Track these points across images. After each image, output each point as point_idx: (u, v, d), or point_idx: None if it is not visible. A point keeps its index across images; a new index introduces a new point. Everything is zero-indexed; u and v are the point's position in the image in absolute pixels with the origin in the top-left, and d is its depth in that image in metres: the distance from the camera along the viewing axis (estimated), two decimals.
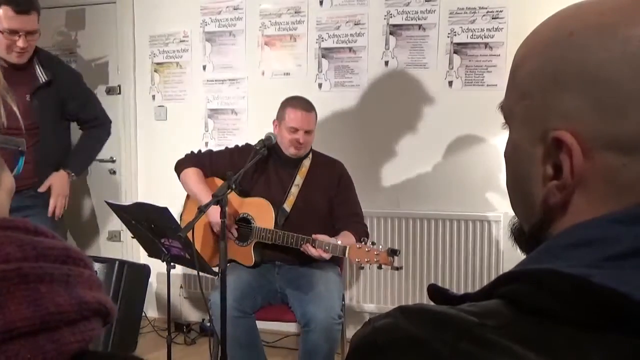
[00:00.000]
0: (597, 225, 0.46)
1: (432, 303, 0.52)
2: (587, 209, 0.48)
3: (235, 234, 2.50)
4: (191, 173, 2.60)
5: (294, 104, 2.54)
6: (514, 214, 0.59)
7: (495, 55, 3.05)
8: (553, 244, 0.48)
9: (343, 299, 2.51)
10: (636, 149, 0.46)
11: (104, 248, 3.85)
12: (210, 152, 2.71)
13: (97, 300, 0.48)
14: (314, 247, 2.29)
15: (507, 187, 0.59)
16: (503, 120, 0.57)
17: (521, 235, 0.58)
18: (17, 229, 0.46)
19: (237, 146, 2.72)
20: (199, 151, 2.71)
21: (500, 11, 3.03)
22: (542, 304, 0.42)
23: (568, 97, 0.48)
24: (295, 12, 3.35)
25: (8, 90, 0.55)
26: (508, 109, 0.56)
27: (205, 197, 2.40)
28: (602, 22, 0.48)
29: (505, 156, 0.58)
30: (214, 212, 2.30)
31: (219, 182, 2.57)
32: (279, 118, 2.55)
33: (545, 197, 0.51)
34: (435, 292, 0.54)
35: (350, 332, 3.26)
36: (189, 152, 2.71)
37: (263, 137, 2.47)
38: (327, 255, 2.28)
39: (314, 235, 2.30)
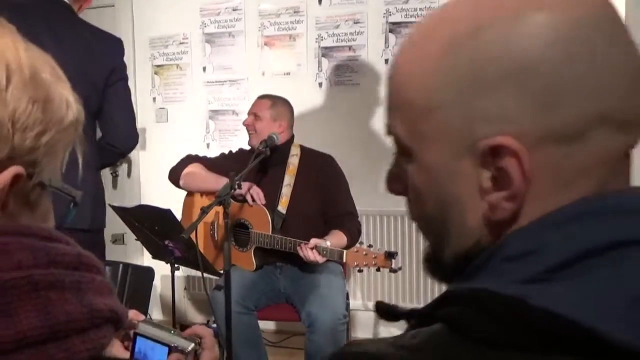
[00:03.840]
0: (531, 232, 0.44)
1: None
2: (532, 211, 0.45)
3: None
4: (194, 167, 2.59)
5: None
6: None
7: None
8: (492, 255, 0.45)
9: (347, 299, 2.51)
10: (575, 136, 0.43)
11: (108, 251, 3.82)
12: (204, 156, 2.71)
13: (108, 307, 0.48)
14: (311, 249, 2.27)
15: (417, 219, 0.53)
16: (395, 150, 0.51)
17: (438, 265, 0.53)
18: (31, 235, 0.46)
19: (230, 152, 2.73)
20: (196, 155, 2.71)
21: None
22: (482, 330, 0.40)
23: (494, 98, 0.43)
24: (294, 12, 3.35)
25: (82, 140, 0.55)
26: (408, 131, 0.49)
27: (218, 181, 2.38)
28: (510, 9, 0.44)
29: (413, 188, 0.51)
30: None
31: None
32: None
33: (487, 213, 0.46)
34: (383, 310, 0.51)
35: (355, 332, 3.27)
36: (184, 156, 2.70)
37: (265, 137, 2.47)
38: (320, 259, 2.26)
39: (312, 240, 2.26)
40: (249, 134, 2.55)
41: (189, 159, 2.65)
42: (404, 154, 0.51)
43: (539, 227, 0.43)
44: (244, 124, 2.59)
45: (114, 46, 2.08)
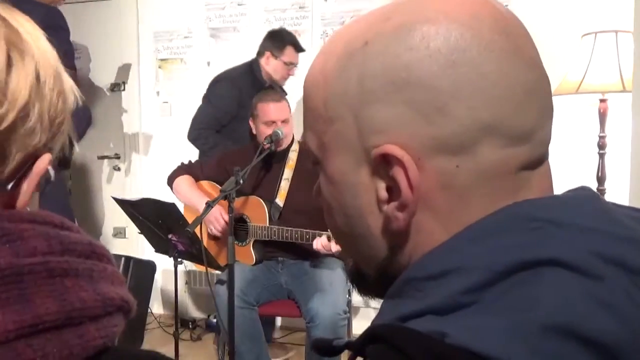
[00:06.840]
0: (450, 249, 0.43)
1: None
2: (435, 226, 0.45)
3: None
4: (181, 181, 2.62)
5: (262, 97, 2.54)
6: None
7: None
8: (412, 275, 0.45)
9: (349, 295, 2.51)
10: (464, 146, 0.43)
11: (110, 244, 3.85)
12: (200, 161, 2.74)
13: (120, 296, 0.48)
14: (328, 240, 2.25)
15: (335, 234, 0.53)
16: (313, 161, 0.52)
17: (364, 280, 0.53)
18: (44, 223, 0.46)
19: (225, 153, 2.73)
20: (189, 162, 2.73)
21: (506, 5, 3.02)
22: None
23: (381, 108, 0.44)
24: (300, 8, 3.35)
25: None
26: (316, 143, 0.50)
27: (199, 201, 2.40)
28: (394, 24, 0.45)
29: (324, 200, 0.52)
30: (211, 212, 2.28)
31: (209, 186, 2.61)
32: (252, 116, 2.56)
33: (385, 224, 0.47)
34: (320, 346, 0.51)
35: (355, 328, 3.27)
36: (180, 163, 2.72)
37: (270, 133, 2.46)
38: (334, 247, 2.24)
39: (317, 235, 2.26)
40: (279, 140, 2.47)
41: (180, 170, 2.66)
42: (315, 164, 0.52)
43: (458, 243, 0.43)
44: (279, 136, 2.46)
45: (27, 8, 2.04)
